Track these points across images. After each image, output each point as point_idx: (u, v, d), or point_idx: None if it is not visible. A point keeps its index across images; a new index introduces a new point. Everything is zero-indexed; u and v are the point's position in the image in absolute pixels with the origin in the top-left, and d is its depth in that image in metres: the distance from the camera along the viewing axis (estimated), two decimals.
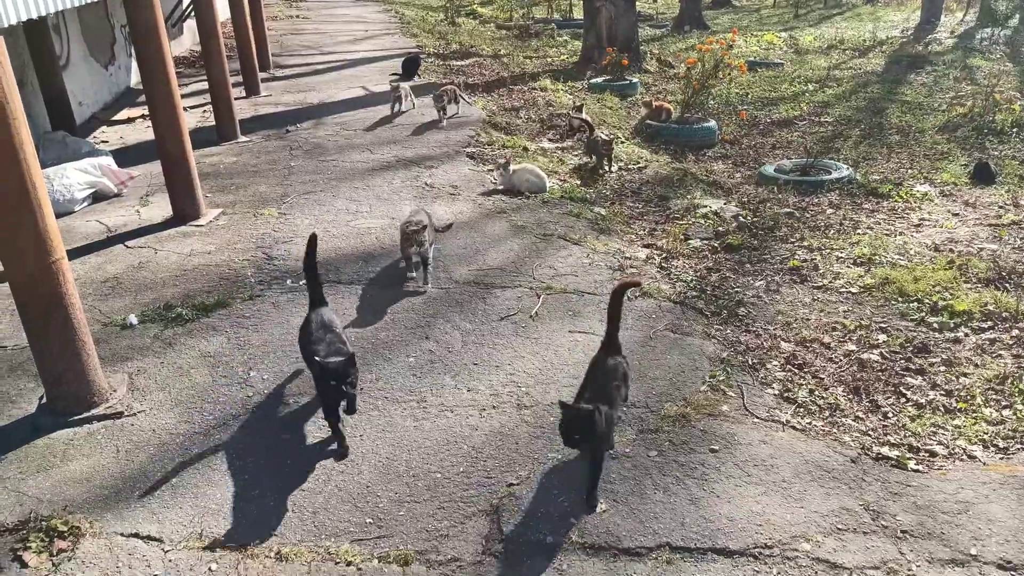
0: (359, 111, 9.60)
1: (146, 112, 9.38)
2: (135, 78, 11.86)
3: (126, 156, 7.94)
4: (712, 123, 9.29)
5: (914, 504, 3.20)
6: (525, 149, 8.13)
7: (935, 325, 4.68)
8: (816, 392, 4.06)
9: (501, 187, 6.80)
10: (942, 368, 4.27)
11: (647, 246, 5.99)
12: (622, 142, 8.63)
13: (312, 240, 3.96)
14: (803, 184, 7.38)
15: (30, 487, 3.42)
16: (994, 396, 4.00)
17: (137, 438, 3.75)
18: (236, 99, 9.26)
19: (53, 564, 3.00)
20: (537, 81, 11.49)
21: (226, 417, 3.88)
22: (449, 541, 3.07)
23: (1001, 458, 3.54)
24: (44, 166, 5.53)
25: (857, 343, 4.55)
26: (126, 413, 3.93)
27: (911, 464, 3.46)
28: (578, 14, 17.23)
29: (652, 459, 3.48)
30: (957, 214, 6.65)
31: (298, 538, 3.10)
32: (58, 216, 3.79)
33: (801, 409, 3.90)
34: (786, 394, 4.02)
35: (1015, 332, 4.54)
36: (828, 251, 5.80)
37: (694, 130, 9.16)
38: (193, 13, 9.32)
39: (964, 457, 3.56)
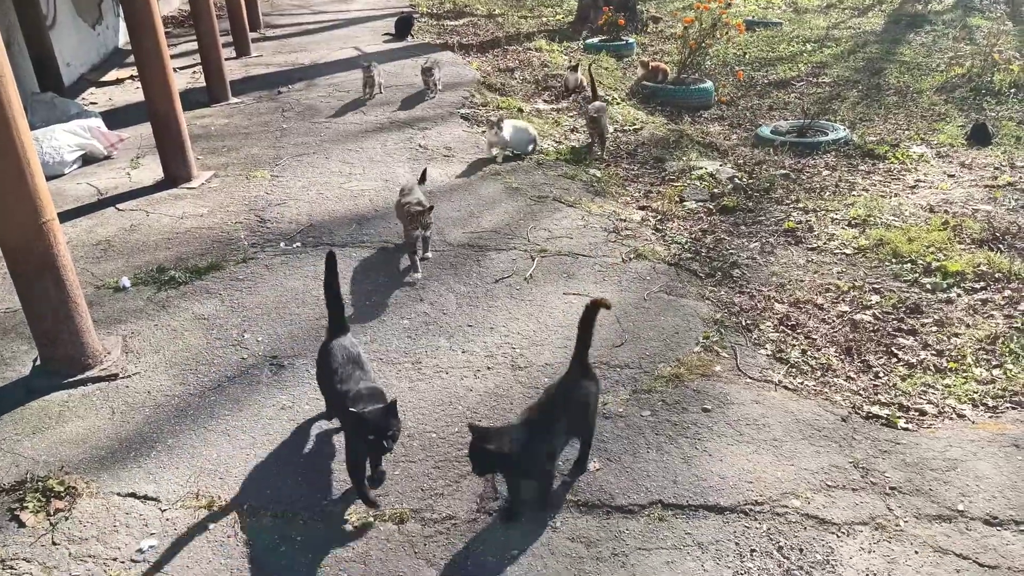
0: (352, 72, 9.47)
1: (135, 73, 9.27)
2: (123, 38, 11.66)
3: (115, 118, 7.84)
4: (709, 84, 9.19)
5: (903, 461, 3.24)
6: (520, 110, 8.05)
7: (928, 286, 4.69)
8: (808, 352, 4.08)
9: (495, 151, 6.65)
10: (934, 328, 4.29)
11: (642, 208, 5.96)
12: (618, 103, 8.55)
13: (331, 258, 3.37)
14: (799, 145, 7.33)
15: (26, 448, 3.44)
16: (985, 356, 4.02)
17: (132, 400, 3.76)
18: (226, 60, 9.13)
19: (51, 523, 3.02)
20: (532, 41, 11.33)
21: (221, 379, 3.89)
22: (444, 500, 3.10)
23: (990, 417, 3.57)
24: (33, 128, 5.45)
25: (850, 304, 4.56)
26: (121, 375, 3.94)
27: (901, 423, 3.49)
28: None
29: (645, 419, 3.51)
30: (953, 175, 6.62)
31: (294, 497, 3.13)
32: (48, 179, 3.76)
33: (793, 369, 3.93)
34: (779, 354, 4.04)
35: (1007, 292, 4.55)
36: (823, 213, 5.79)
37: (690, 91, 9.07)
38: None
39: (953, 416, 3.60)
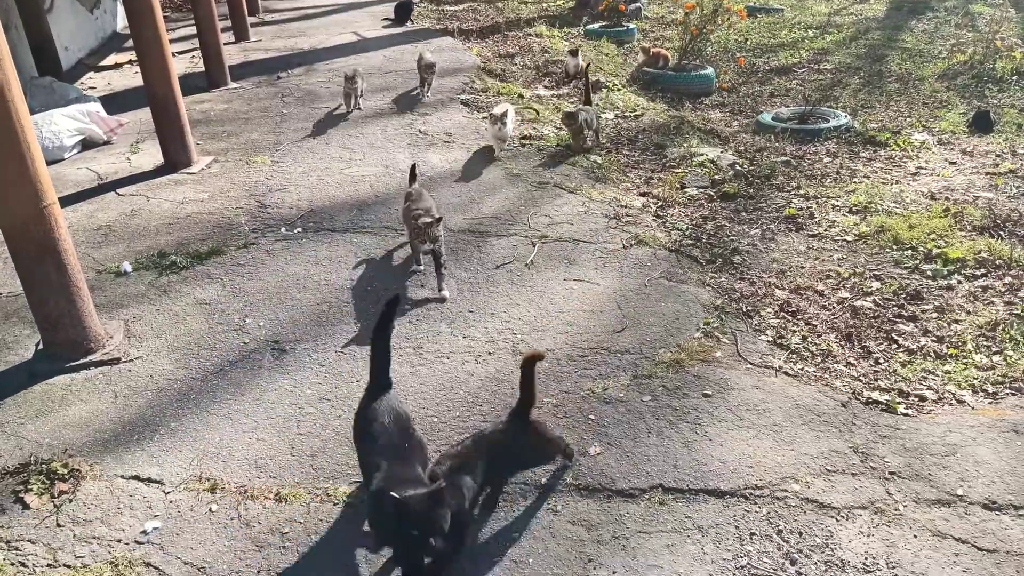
0: (351, 57, 9.43)
1: (133, 57, 9.23)
2: (121, 22, 11.61)
3: (114, 102, 7.81)
4: (710, 70, 9.15)
5: (903, 446, 3.26)
6: (520, 96, 8.02)
7: (929, 272, 4.69)
8: (809, 339, 4.09)
9: (496, 145, 6.40)
10: (934, 315, 4.30)
11: (643, 194, 5.96)
12: (619, 90, 8.52)
13: (393, 304, 2.94)
14: (801, 132, 7.31)
15: (29, 431, 3.46)
16: (985, 342, 4.03)
17: (135, 384, 3.77)
18: (225, 44, 9.08)
19: (55, 506, 3.04)
20: (532, 27, 11.27)
21: (223, 363, 3.90)
22: None
23: (990, 403, 3.59)
24: (32, 112, 5.43)
25: (851, 290, 4.57)
26: (123, 359, 3.95)
27: (901, 408, 3.51)
28: None
29: (646, 404, 3.52)
30: (954, 163, 6.61)
31: (297, 480, 3.15)
32: (47, 163, 3.75)
33: (794, 355, 3.94)
34: (779, 340, 4.05)
35: (1008, 279, 4.56)
36: (824, 199, 5.79)
37: (691, 77, 9.03)
38: None
39: (953, 402, 3.61)
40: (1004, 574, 2.66)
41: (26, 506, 3.04)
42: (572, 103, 8.00)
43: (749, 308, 4.34)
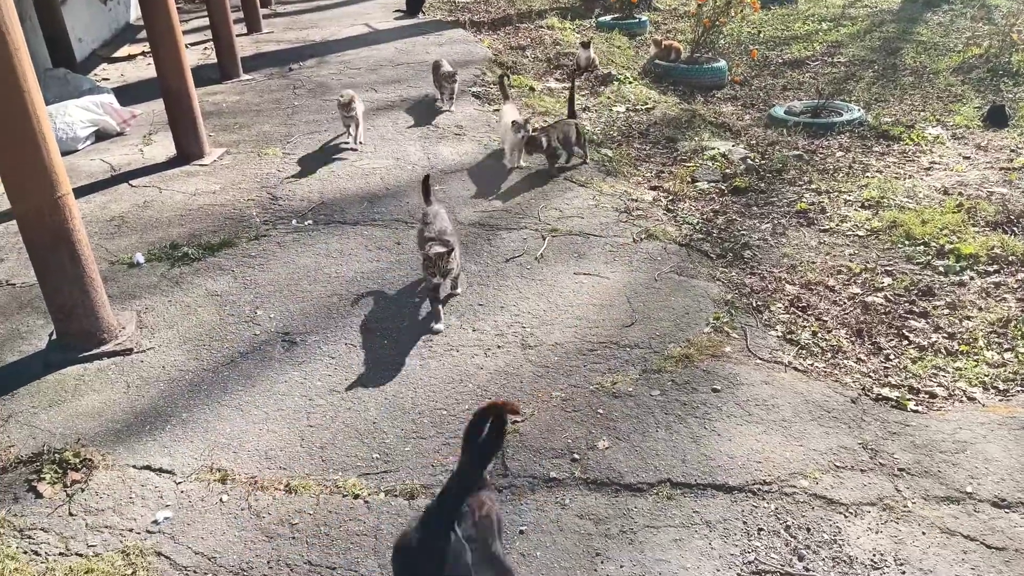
0: (362, 49, 9.44)
1: (146, 49, 9.26)
2: (135, 14, 11.65)
3: (127, 94, 7.86)
4: (722, 63, 9.10)
5: (912, 443, 3.25)
6: (531, 89, 8.00)
7: (941, 268, 4.66)
8: (819, 334, 4.08)
9: (514, 158, 5.95)
10: (946, 311, 4.27)
11: (654, 188, 5.94)
12: (630, 82, 8.48)
13: (501, 415, 2.31)
14: (813, 126, 7.27)
15: (42, 421, 3.49)
16: (996, 339, 4.01)
17: (147, 374, 3.81)
18: (237, 36, 9.11)
19: (67, 495, 3.08)
20: (544, 19, 11.24)
21: (234, 354, 3.93)
22: None
23: (1001, 400, 3.57)
24: (46, 104, 5.47)
25: (862, 286, 4.55)
26: (135, 350, 3.98)
27: (911, 405, 3.49)
28: None
29: (655, 398, 3.53)
30: (968, 157, 6.55)
31: (306, 471, 3.17)
32: (61, 154, 3.77)
33: (803, 351, 3.92)
34: (789, 336, 4.04)
35: (1021, 276, 4.53)
36: (836, 194, 5.75)
37: (703, 70, 8.98)
38: None
39: (964, 399, 3.59)
40: (1013, 572, 2.65)
41: (39, 495, 3.07)
42: (583, 96, 7.98)
43: (759, 303, 4.33)
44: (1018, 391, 3.61)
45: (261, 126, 7.15)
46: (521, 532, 2.86)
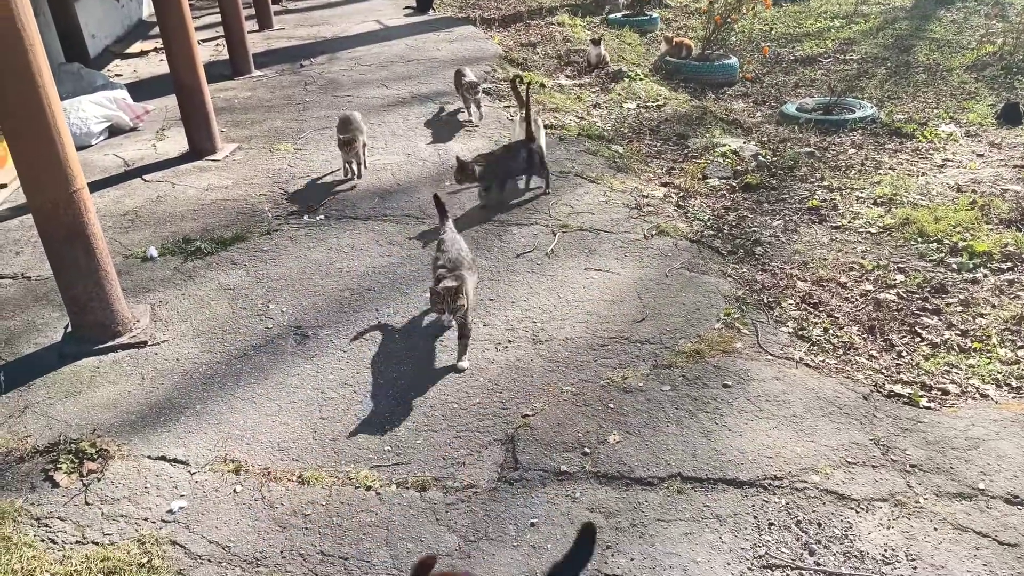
0: (373, 46, 9.46)
1: (159, 45, 9.31)
2: (147, 9, 11.71)
3: (140, 90, 7.91)
4: (733, 60, 9.08)
5: (924, 440, 3.24)
6: (542, 85, 8.01)
7: (954, 266, 4.65)
8: (831, 331, 4.07)
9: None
10: (959, 308, 4.26)
11: (665, 184, 5.94)
12: (641, 79, 8.47)
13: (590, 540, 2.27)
14: (825, 123, 7.24)
15: (58, 412, 3.53)
16: (1010, 337, 3.99)
17: (161, 366, 3.84)
18: (249, 32, 9.15)
19: (83, 484, 3.11)
20: (555, 16, 11.24)
21: (246, 347, 3.96)
22: (465, 468, 3.14)
23: (1014, 397, 3.55)
24: (60, 98, 5.52)
25: (874, 283, 4.53)
26: (150, 342, 4.01)
27: (923, 401, 3.48)
28: None
29: (665, 393, 3.53)
30: (982, 155, 6.52)
31: (319, 463, 3.19)
32: (76, 149, 3.80)
33: (815, 347, 3.92)
34: (800, 332, 4.03)
35: None
36: (848, 191, 5.73)
37: (715, 67, 8.96)
38: None
39: (976, 396, 3.58)
40: None
41: (56, 484, 3.11)
42: (594, 92, 7.98)
43: (770, 299, 4.32)
44: None
45: (273, 122, 7.18)
46: (532, 525, 2.87)
